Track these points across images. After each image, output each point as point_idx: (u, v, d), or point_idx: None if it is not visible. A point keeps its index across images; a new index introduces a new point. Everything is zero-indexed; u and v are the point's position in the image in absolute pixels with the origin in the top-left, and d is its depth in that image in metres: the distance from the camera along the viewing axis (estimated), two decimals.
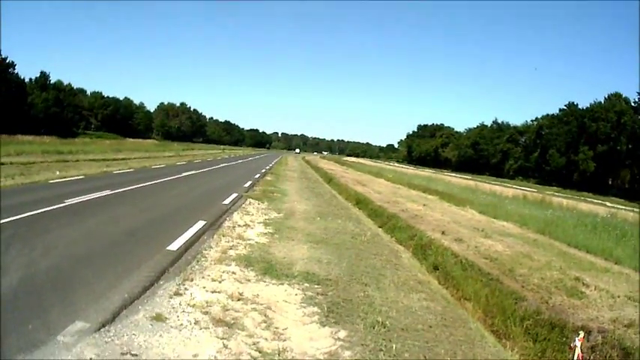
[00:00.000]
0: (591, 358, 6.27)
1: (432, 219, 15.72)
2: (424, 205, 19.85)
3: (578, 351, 5.57)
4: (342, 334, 5.63)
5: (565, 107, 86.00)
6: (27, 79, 73.49)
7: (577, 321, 7.07)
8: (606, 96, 76.24)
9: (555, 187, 65.00)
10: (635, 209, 33.67)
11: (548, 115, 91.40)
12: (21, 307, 5.42)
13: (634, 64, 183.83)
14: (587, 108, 78.76)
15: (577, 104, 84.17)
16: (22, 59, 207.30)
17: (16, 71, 67.19)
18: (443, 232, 13.10)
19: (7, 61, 65.00)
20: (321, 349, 5.26)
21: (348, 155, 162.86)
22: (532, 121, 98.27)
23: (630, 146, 67.43)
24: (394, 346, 5.24)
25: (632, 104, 70.90)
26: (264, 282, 7.51)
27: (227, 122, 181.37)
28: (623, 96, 73.71)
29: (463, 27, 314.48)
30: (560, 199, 32.26)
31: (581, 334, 5.80)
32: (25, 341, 4.59)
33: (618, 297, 8.43)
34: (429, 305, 6.96)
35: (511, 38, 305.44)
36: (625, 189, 66.41)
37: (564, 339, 6.48)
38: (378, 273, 8.49)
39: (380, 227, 14.98)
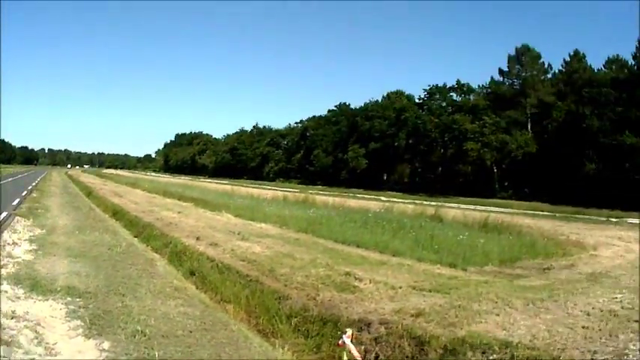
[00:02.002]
0: (377, 349, 6.32)
1: (186, 225, 15.98)
2: (179, 212, 20.13)
3: (351, 347, 5.62)
4: (106, 344, 5.74)
5: (335, 108, 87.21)
6: None
7: (352, 314, 7.07)
8: (385, 94, 78.38)
9: (320, 186, 65.18)
10: (417, 201, 34.50)
11: (314, 116, 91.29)
12: None
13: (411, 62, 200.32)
14: (360, 107, 79.75)
15: (349, 104, 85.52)
16: None
17: None
18: (198, 238, 13.27)
19: None
20: None
21: (108, 167, 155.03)
22: (296, 123, 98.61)
23: (410, 141, 67.68)
24: (156, 353, 5.39)
25: (417, 100, 71.44)
26: (32, 299, 7.37)
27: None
28: (406, 93, 75.91)
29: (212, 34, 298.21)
30: (326, 198, 32.28)
31: (349, 330, 5.87)
32: None
33: (400, 288, 8.26)
34: (187, 311, 7.15)
35: (268, 40, 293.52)
36: (404, 183, 67.92)
37: (339, 332, 6.50)
38: (134, 282, 8.59)
39: (135, 237, 15.04)
